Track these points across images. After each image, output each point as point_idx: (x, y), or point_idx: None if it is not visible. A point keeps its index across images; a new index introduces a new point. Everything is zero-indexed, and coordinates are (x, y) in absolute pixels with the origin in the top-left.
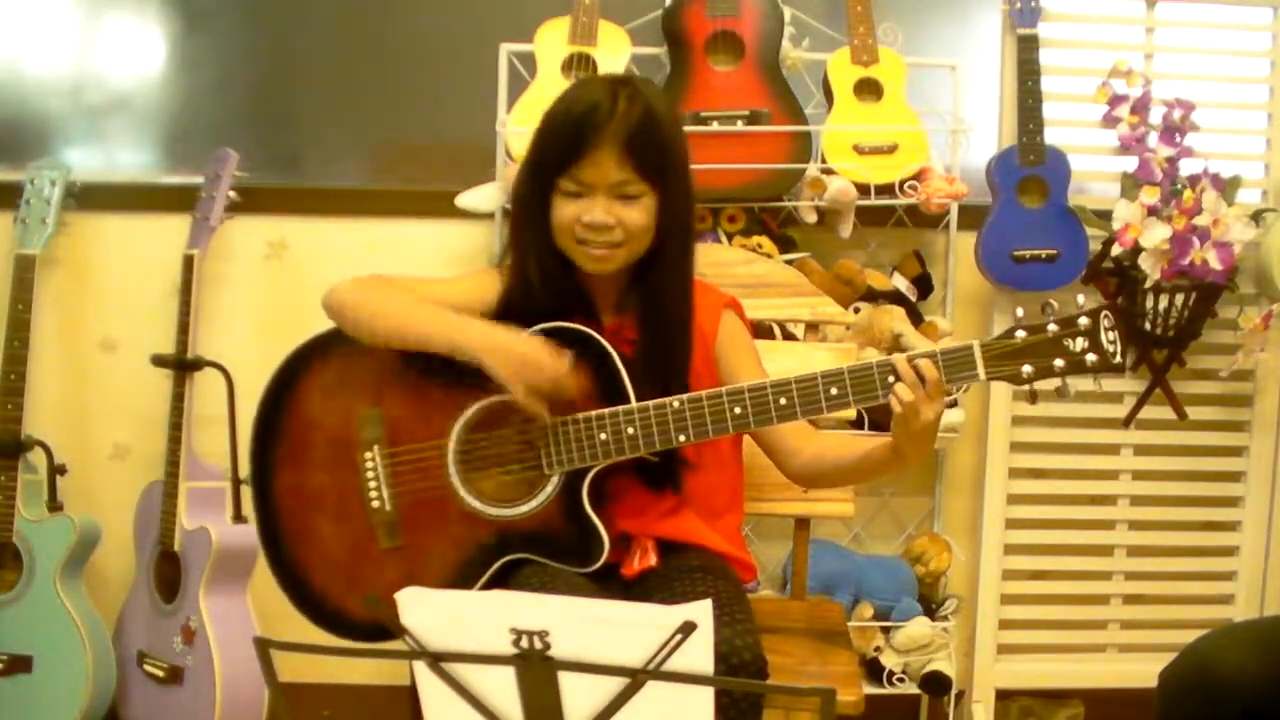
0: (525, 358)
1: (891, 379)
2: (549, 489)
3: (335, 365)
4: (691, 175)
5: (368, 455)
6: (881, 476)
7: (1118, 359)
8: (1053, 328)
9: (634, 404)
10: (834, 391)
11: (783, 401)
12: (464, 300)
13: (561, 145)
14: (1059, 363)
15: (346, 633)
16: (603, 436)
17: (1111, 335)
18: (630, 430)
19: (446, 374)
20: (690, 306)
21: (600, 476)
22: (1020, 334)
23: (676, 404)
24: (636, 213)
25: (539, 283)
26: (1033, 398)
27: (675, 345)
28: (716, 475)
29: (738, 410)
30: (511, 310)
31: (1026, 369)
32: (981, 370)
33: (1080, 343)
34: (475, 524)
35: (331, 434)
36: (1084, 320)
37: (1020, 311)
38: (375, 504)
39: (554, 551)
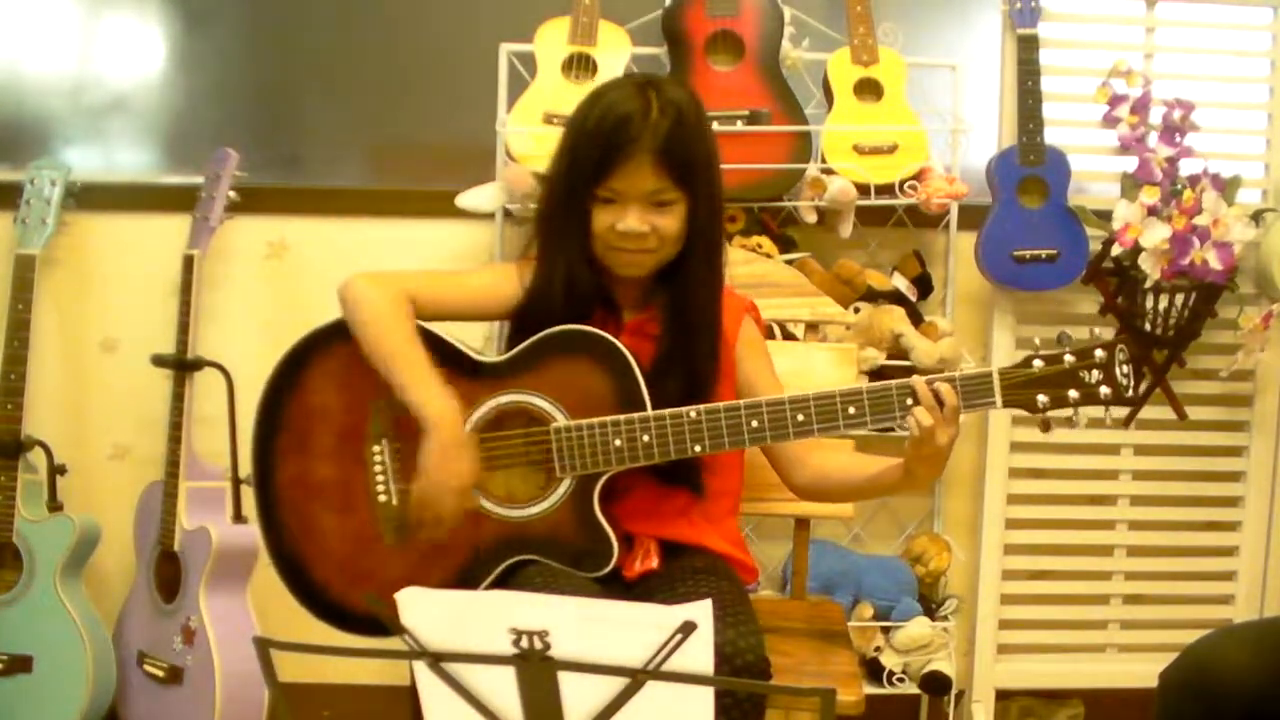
0: (443, 483)
1: (910, 401)
2: (560, 492)
3: (344, 356)
4: (721, 174)
5: (376, 449)
6: (887, 495)
7: (1130, 392)
8: (1069, 359)
9: (650, 412)
10: (852, 411)
11: (800, 418)
12: (483, 295)
13: (596, 156)
14: (1074, 393)
15: (347, 626)
16: (617, 443)
17: (1125, 369)
18: (646, 438)
19: (458, 370)
20: (719, 308)
21: (610, 477)
22: (1037, 363)
23: (693, 414)
24: (670, 220)
25: (564, 284)
26: (1046, 426)
27: (700, 345)
28: (722, 480)
29: (754, 424)
30: (535, 306)
31: (1042, 399)
32: (999, 398)
33: (1095, 375)
34: (483, 523)
35: (339, 425)
36: (1100, 353)
37: (1037, 340)
38: (382, 499)
39: (561, 555)
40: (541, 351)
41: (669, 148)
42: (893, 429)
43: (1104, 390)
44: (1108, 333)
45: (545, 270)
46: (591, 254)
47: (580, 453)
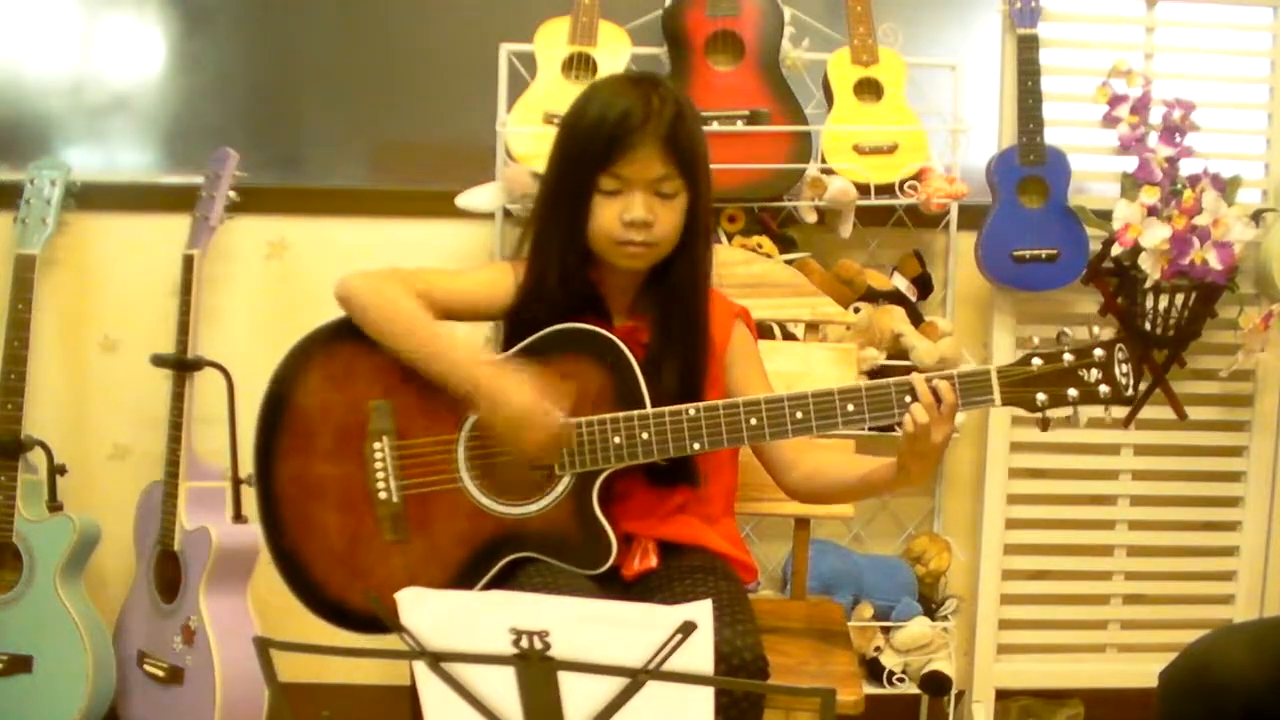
0: (524, 416)
1: (908, 399)
2: (559, 489)
3: (345, 354)
4: (712, 177)
5: (376, 446)
6: (881, 494)
7: (1130, 392)
8: (1068, 358)
9: (649, 409)
10: (850, 408)
11: (799, 416)
12: (479, 294)
13: (600, 146)
14: (1073, 392)
15: (347, 624)
16: (616, 440)
17: (1125, 368)
18: (645, 435)
19: None
20: (707, 310)
21: (608, 477)
22: (1036, 362)
23: (693, 412)
24: (671, 212)
25: (556, 282)
26: (1044, 425)
27: (689, 349)
28: (713, 484)
29: (753, 422)
30: (529, 304)
31: (1041, 397)
32: (998, 396)
33: (1094, 374)
34: (482, 520)
35: (340, 423)
36: (1099, 352)
37: (1036, 339)
38: (382, 496)
39: (560, 552)
40: (541, 349)
41: (674, 136)
42: (894, 429)
43: (1103, 389)
44: (1107, 333)
45: (539, 267)
46: (586, 252)
47: (579, 450)
